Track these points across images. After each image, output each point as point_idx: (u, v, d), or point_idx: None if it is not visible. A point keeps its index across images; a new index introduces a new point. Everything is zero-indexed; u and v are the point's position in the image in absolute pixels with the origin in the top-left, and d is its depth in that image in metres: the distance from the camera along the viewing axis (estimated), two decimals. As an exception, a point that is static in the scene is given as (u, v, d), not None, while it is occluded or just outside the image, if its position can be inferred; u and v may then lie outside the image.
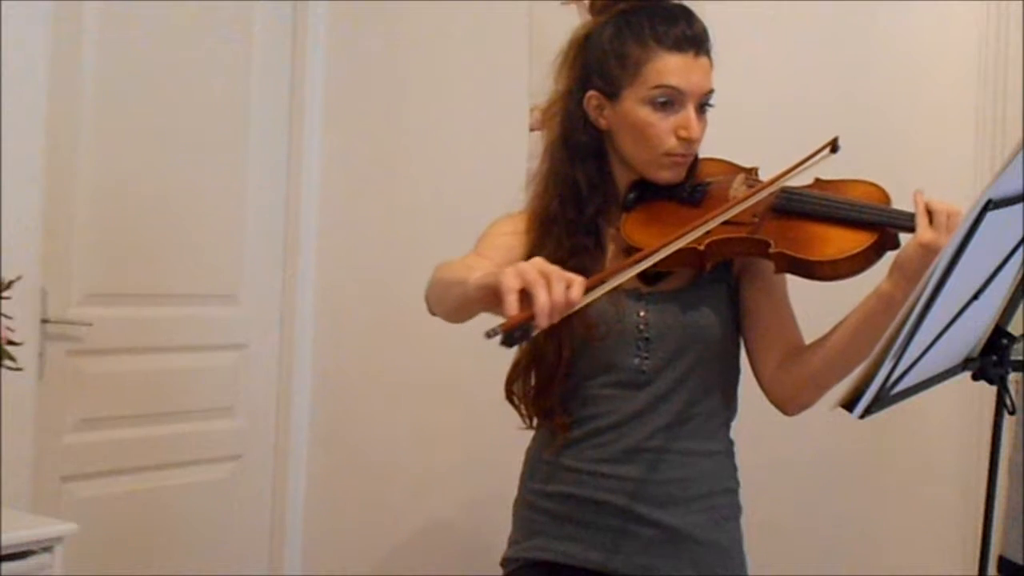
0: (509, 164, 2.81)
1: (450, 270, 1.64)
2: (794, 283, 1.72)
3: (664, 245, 1.53)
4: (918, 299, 1.27)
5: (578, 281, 1.35)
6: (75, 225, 2.75)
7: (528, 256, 1.72)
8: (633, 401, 1.71)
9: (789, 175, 1.63)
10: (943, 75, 2.23)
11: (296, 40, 3.20)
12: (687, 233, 1.55)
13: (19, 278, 2.24)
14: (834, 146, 1.67)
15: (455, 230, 2.90)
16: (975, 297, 1.37)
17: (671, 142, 1.69)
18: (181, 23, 2.93)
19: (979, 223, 1.21)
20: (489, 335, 1.30)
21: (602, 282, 1.44)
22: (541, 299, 1.31)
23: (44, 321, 2.67)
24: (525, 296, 1.33)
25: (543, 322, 1.32)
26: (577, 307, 1.35)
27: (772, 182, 1.63)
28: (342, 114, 3.19)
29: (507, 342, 1.31)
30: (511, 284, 1.33)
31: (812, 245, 1.60)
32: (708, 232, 1.62)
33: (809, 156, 1.65)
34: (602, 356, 1.71)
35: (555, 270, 1.35)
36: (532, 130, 2.79)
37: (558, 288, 1.33)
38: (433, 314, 1.70)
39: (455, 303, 1.58)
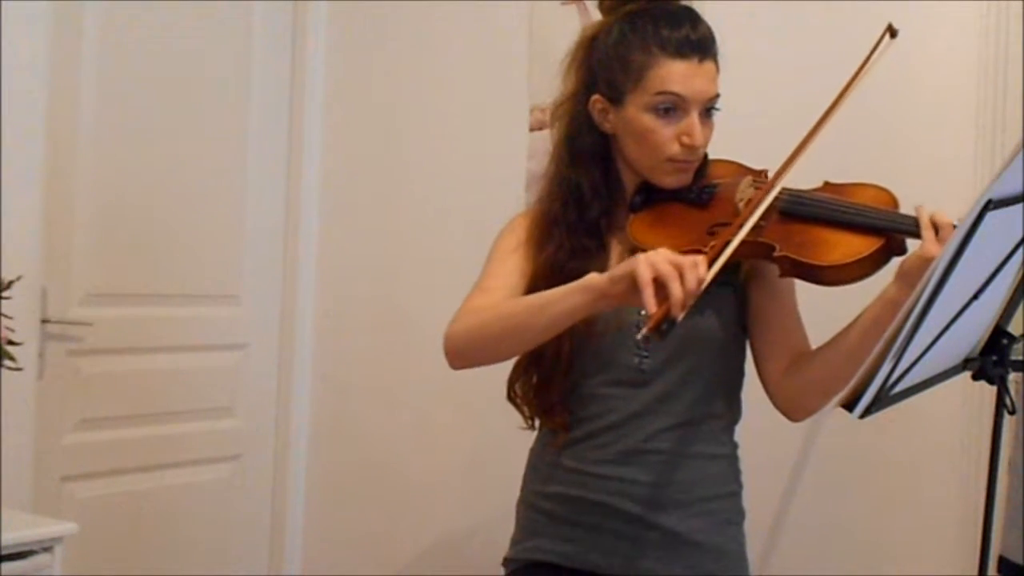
0: (509, 164, 2.82)
1: (499, 308, 1.65)
2: (801, 288, 1.72)
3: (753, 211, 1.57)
4: (918, 299, 1.27)
5: (701, 260, 1.43)
6: (75, 225, 2.75)
7: (533, 268, 1.73)
8: (633, 401, 1.70)
9: (854, 83, 1.65)
10: (943, 75, 2.22)
11: (296, 40, 3.20)
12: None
13: (19, 278, 2.23)
14: (892, 32, 1.67)
15: (455, 230, 2.94)
16: (975, 297, 1.37)
17: (674, 148, 1.68)
18: (181, 23, 2.93)
19: (979, 223, 1.21)
20: (643, 338, 1.42)
21: (718, 253, 1.50)
22: (676, 292, 1.40)
23: (44, 321, 2.67)
24: (659, 286, 1.40)
25: (679, 312, 1.40)
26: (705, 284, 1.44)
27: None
28: (342, 114, 3.19)
29: (660, 337, 1.41)
30: (646, 277, 1.41)
31: (818, 249, 1.58)
32: (714, 234, 1.62)
33: (870, 54, 1.67)
34: (601, 353, 1.71)
35: (684, 260, 1.42)
36: (532, 130, 2.79)
37: (690, 277, 1.40)
38: (458, 366, 1.70)
39: (532, 330, 1.60)
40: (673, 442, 1.71)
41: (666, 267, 1.41)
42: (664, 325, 1.40)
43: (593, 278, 1.51)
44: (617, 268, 1.49)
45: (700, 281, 1.42)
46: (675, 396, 1.71)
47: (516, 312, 1.62)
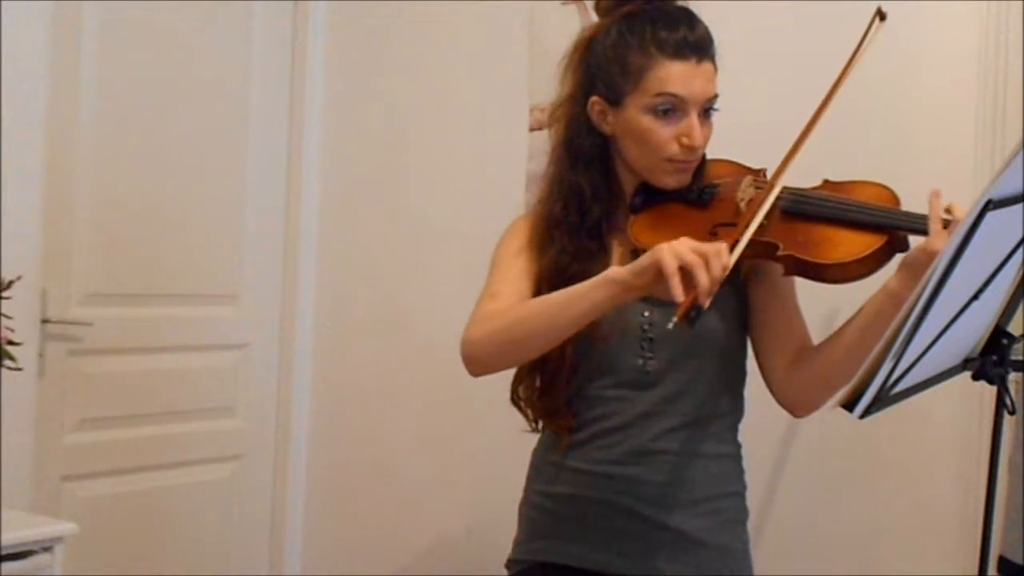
0: (509, 164, 2.82)
1: (517, 310, 1.63)
2: (802, 284, 1.72)
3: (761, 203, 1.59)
4: (918, 299, 1.27)
5: (724, 248, 1.45)
6: (75, 225, 2.75)
7: (537, 271, 1.72)
8: (639, 403, 1.70)
9: (850, 67, 1.65)
10: (943, 75, 2.22)
11: (296, 40, 3.20)
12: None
13: (19, 278, 2.24)
14: (882, 15, 1.69)
15: (455, 230, 2.94)
16: (975, 297, 1.37)
17: (673, 149, 1.68)
18: (181, 23, 2.93)
19: (979, 223, 1.21)
20: (673, 326, 1.41)
21: (737, 240, 1.52)
22: (703, 280, 1.41)
23: (44, 321, 2.67)
24: (685, 275, 1.42)
25: (707, 300, 1.41)
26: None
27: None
28: (342, 114, 3.19)
29: (690, 325, 1.42)
30: (672, 267, 1.42)
31: (821, 247, 1.59)
32: (716, 234, 1.63)
33: (862, 38, 1.68)
34: (605, 356, 1.71)
35: (708, 248, 1.44)
36: (532, 130, 2.79)
37: (715, 264, 1.42)
38: (478, 372, 1.67)
39: (555, 328, 1.58)
40: (681, 442, 1.71)
41: (691, 256, 1.42)
42: (692, 312, 1.41)
43: (615, 271, 1.52)
44: (640, 260, 1.49)
45: (725, 268, 1.43)
46: (682, 396, 1.71)
47: (537, 312, 1.61)
